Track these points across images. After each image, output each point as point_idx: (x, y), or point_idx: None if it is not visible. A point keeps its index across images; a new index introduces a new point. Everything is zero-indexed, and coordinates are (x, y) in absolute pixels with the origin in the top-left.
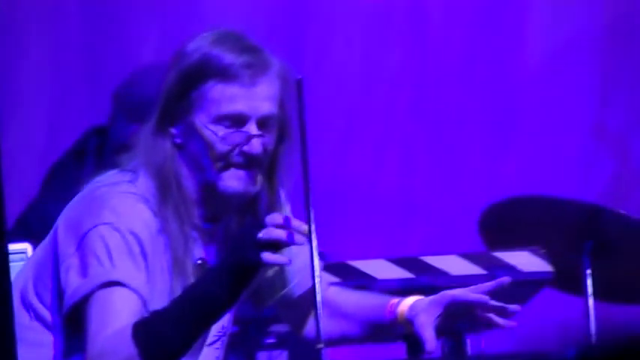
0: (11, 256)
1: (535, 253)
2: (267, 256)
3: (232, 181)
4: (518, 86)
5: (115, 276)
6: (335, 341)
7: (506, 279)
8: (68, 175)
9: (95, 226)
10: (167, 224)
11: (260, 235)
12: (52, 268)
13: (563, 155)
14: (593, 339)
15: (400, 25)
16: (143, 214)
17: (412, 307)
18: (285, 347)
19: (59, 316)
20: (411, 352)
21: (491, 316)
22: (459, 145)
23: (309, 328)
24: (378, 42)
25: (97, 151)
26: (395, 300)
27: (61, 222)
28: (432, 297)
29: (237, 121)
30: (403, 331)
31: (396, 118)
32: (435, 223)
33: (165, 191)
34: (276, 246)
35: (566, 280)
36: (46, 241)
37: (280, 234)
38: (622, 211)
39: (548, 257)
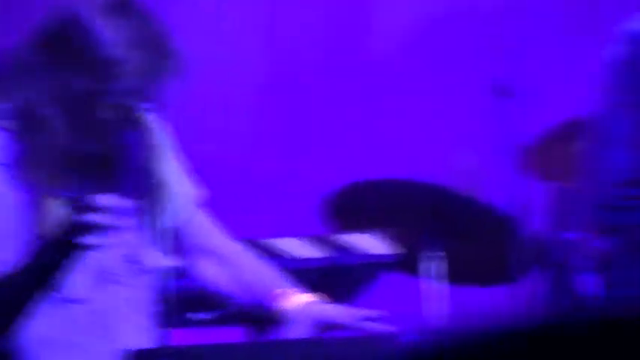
0: None
1: (377, 235)
2: (85, 238)
3: None
4: (376, 66)
5: None
6: (216, 294)
7: (377, 313)
8: None
9: None
10: None
11: (75, 216)
12: None
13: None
14: (443, 321)
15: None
16: None
17: (296, 308)
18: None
19: None
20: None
21: (362, 324)
22: (306, 129)
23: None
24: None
25: None
26: (280, 290)
27: None
28: (310, 304)
29: None
30: (278, 320)
31: (246, 99)
32: (278, 205)
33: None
34: (93, 227)
35: (412, 263)
36: None
37: (94, 218)
38: (468, 195)
39: (392, 240)
